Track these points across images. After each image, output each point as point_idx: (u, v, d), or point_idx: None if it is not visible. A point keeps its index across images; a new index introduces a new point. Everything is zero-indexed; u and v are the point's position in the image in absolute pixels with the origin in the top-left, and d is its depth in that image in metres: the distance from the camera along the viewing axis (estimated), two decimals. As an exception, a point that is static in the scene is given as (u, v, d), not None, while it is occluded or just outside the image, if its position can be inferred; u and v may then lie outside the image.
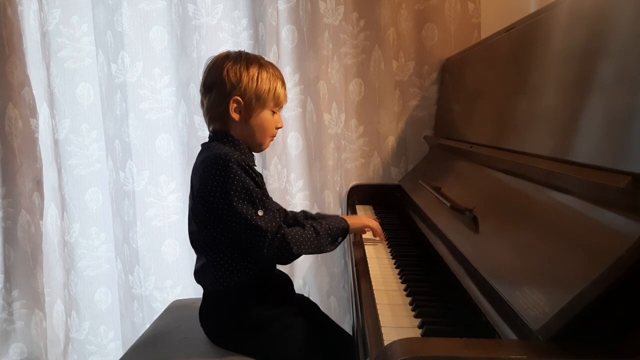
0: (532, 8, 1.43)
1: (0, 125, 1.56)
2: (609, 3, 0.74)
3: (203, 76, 1.17)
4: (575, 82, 0.80)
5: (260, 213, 1.07)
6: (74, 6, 1.74)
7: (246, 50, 1.20)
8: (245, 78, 1.12)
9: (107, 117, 1.79)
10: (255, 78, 1.13)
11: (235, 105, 1.12)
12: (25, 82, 1.60)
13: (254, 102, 1.13)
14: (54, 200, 1.74)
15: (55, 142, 1.76)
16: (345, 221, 1.21)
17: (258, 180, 1.12)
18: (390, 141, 1.80)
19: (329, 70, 1.73)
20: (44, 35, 1.70)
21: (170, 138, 1.80)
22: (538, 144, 0.90)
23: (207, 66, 1.17)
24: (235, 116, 1.13)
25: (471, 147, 1.24)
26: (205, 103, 1.17)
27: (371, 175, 1.82)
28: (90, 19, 1.75)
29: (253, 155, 1.20)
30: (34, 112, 1.63)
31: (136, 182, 1.79)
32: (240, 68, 1.13)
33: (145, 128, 1.78)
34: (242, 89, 1.12)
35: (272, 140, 1.21)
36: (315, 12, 1.69)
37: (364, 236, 1.34)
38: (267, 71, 1.15)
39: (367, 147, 1.80)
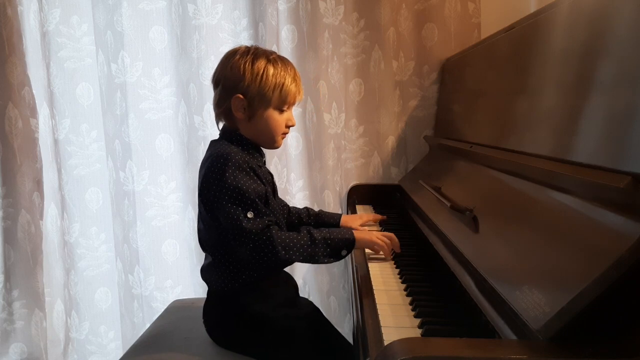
0: (532, 8, 1.43)
1: (0, 125, 1.56)
2: (609, 3, 0.74)
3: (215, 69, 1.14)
4: (575, 82, 0.80)
5: (249, 215, 1.02)
6: (74, 6, 1.74)
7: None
8: (248, 75, 1.06)
9: (107, 117, 1.79)
10: (260, 75, 1.06)
11: (237, 103, 1.08)
12: (25, 82, 1.60)
13: (257, 101, 1.08)
14: (54, 200, 1.74)
15: (55, 142, 1.76)
16: (352, 233, 1.09)
17: (264, 180, 1.09)
18: (390, 141, 1.80)
19: (329, 70, 1.73)
20: (44, 35, 1.70)
21: (170, 138, 1.80)
22: (538, 143, 0.90)
23: (220, 60, 1.14)
24: (239, 115, 1.09)
25: (471, 147, 1.24)
26: (213, 98, 1.13)
27: (371, 175, 1.82)
28: (90, 19, 1.75)
29: (262, 154, 1.17)
30: (34, 112, 1.63)
31: (136, 182, 1.79)
32: (245, 64, 1.07)
33: (145, 128, 1.78)
34: (245, 86, 1.06)
35: (284, 137, 1.16)
36: (315, 12, 1.69)
37: (366, 250, 1.19)
38: (274, 67, 1.08)
39: (367, 147, 1.80)
